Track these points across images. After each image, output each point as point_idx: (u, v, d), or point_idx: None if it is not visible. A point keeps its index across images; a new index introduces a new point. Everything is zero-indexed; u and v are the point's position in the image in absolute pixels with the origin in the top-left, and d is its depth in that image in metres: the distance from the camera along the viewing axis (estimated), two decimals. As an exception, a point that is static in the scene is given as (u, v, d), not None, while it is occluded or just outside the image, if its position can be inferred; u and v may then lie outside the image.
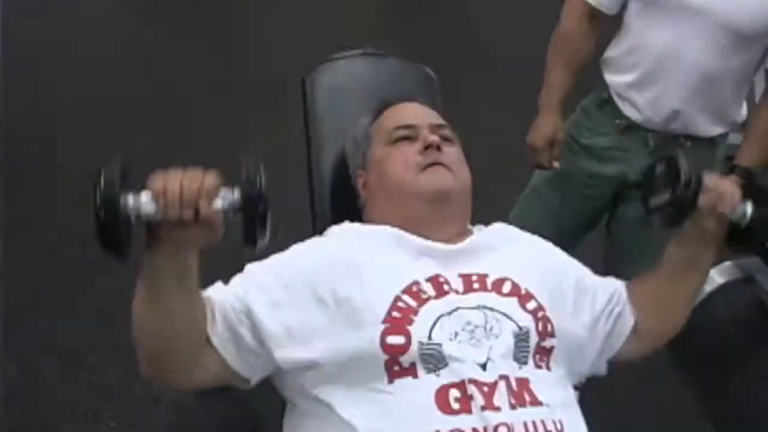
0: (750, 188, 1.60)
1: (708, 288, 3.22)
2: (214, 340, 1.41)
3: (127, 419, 2.54)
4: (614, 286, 1.72)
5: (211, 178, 1.24)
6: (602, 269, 2.53)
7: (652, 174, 1.62)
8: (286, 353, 1.41)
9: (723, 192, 1.56)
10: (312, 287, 1.44)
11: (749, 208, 1.57)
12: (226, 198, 1.25)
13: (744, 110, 2.35)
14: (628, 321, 1.68)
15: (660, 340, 1.76)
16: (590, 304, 1.64)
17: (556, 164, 2.41)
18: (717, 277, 3.25)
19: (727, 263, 3.26)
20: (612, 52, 2.36)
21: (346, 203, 1.78)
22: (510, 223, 1.75)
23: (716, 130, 2.31)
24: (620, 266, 2.39)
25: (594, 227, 2.59)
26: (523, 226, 1.73)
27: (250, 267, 1.50)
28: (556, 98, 2.37)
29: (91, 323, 2.80)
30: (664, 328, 1.75)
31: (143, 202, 1.22)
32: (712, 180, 1.55)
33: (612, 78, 2.34)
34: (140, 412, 2.55)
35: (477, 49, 5.18)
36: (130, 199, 1.21)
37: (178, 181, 1.22)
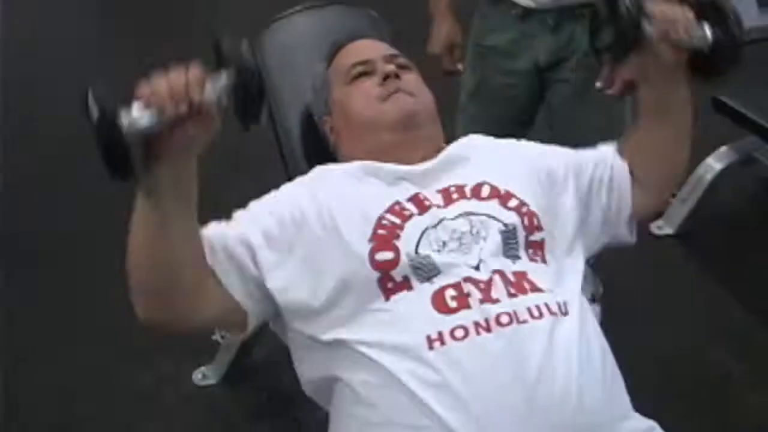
0: (705, 9, 1.49)
1: (708, 176, 3.21)
2: (216, 269, 1.40)
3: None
4: (598, 154, 1.69)
5: (195, 69, 1.19)
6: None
7: (595, 19, 1.59)
8: (282, 283, 1.43)
9: (672, 17, 1.45)
10: (300, 222, 1.46)
11: (708, 30, 1.47)
12: (216, 83, 1.20)
13: None
14: (624, 177, 1.65)
15: (667, 185, 1.75)
16: (574, 180, 1.62)
17: (459, 66, 2.47)
18: (715, 163, 3.22)
19: (723, 148, 3.24)
20: None
21: (319, 155, 1.78)
22: None
23: None
24: None
25: (531, 124, 2.59)
26: None
27: (238, 213, 1.50)
28: (443, 3, 2.43)
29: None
30: (666, 172, 1.70)
31: (135, 114, 1.16)
32: (657, 6, 1.45)
33: None
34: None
35: None
36: (123, 116, 1.16)
37: (164, 81, 1.18)
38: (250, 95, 1.21)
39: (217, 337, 2.60)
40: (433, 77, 1.85)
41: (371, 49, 1.74)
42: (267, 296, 1.44)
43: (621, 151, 1.68)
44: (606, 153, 1.68)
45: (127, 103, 1.17)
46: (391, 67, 1.64)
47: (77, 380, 2.63)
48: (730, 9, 1.49)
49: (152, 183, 1.24)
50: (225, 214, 1.49)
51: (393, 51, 1.74)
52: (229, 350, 2.57)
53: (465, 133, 2.49)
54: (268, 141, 1.99)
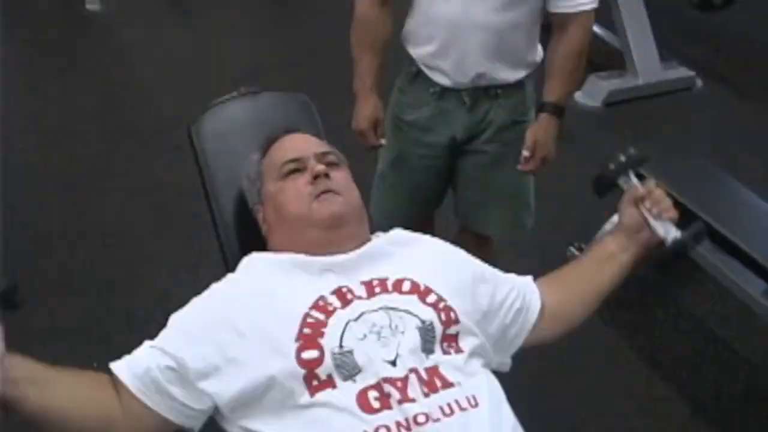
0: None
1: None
2: (144, 400, 1.52)
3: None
4: (517, 282, 1.84)
5: None
6: (456, 224, 2.68)
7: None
8: (217, 386, 1.52)
9: (659, 198, 1.81)
10: (230, 323, 1.55)
11: (675, 230, 1.80)
12: None
13: (540, 50, 2.55)
14: (532, 315, 1.81)
15: (571, 325, 1.89)
16: (490, 294, 1.75)
17: (382, 141, 2.60)
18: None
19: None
20: (409, 26, 2.52)
21: (253, 237, 1.87)
22: (371, 213, 1.88)
23: (520, 74, 2.51)
24: (469, 216, 2.73)
25: (446, 191, 2.76)
26: (381, 212, 1.84)
27: (172, 318, 1.61)
28: (369, 82, 2.55)
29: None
30: (577, 314, 1.88)
31: None
32: (653, 184, 1.82)
33: (415, 51, 2.51)
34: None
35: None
36: None
37: None
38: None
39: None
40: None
41: (303, 145, 1.84)
42: (205, 404, 1.55)
43: (547, 283, 1.87)
44: (523, 283, 1.85)
45: None
46: (321, 167, 1.75)
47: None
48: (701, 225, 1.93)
49: None
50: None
51: (324, 148, 1.85)
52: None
53: (379, 200, 2.67)
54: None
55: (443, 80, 2.47)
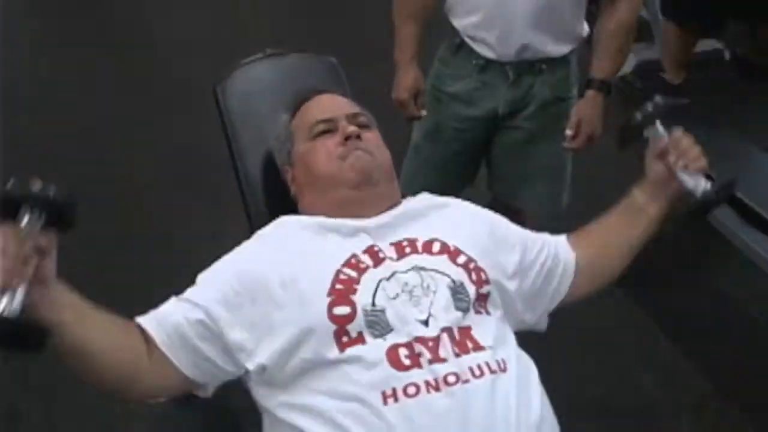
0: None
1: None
2: (168, 354, 1.50)
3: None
4: (549, 241, 1.81)
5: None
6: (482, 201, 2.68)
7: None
8: (249, 341, 1.51)
9: (685, 147, 1.69)
10: (262, 277, 1.54)
11: (705, 183, 1.68)
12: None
13: (585, 25, 2.49)
14: (568, 272, 1.79)
15: (604, 279, 1.85)
16: (520, 253, 1.74)
17: (423, 112, 2.55)
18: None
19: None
20: None
21: (280, 199, 1.86)
22: (402, 185, 1.86)
23: (566, 48, 2.45)
24: (505, 191, 2.68)
25: (479, 167, 2.72)
26: (412, 184, 1.82)
27: (201, 275, 1.59)
28: (410, 52, 2.49)
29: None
30: (610, 268, 1.84)
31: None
32: (679, 134, 1.70)
33: (459, 22, 2.44)
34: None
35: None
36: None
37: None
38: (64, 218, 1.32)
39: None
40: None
41: (334, 106, 1.82)
42: (230, 371, 1.54)
43: (577, 238, 1.83)
44: (555, 242, 1.82)
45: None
46: (352, 128, 1.73)
47: (22, 400, 2.67)
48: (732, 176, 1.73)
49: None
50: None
51: (355, 109, 1.83)
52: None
53: (410, 170, 2.63)
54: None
55: (487, 53, 2.41)
